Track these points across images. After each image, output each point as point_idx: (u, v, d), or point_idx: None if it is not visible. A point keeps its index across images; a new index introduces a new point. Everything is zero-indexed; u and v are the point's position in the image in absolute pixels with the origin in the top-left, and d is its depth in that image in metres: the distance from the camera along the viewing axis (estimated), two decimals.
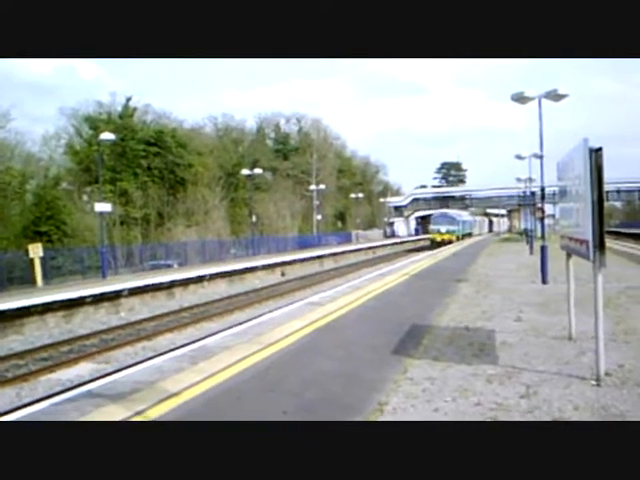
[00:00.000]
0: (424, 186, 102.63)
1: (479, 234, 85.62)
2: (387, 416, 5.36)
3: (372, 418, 5.31)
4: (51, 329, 16.72)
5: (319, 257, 41.46)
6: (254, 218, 45.50)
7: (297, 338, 8.98)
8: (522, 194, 51.33)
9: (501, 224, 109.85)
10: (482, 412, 5.42)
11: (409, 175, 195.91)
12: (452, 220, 64.51)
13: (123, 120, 50.24)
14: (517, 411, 5.43)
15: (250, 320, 11.88)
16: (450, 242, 57.28)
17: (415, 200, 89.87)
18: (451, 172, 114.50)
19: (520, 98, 16.30)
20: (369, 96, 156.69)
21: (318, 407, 5.71)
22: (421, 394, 6.05)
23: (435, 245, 56.47)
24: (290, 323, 10.14)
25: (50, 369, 12.05)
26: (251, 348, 8.20)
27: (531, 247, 30.93)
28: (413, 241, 73.86)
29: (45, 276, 22.25)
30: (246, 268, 29.79)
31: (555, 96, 16.12)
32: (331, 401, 5.91)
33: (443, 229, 61.76)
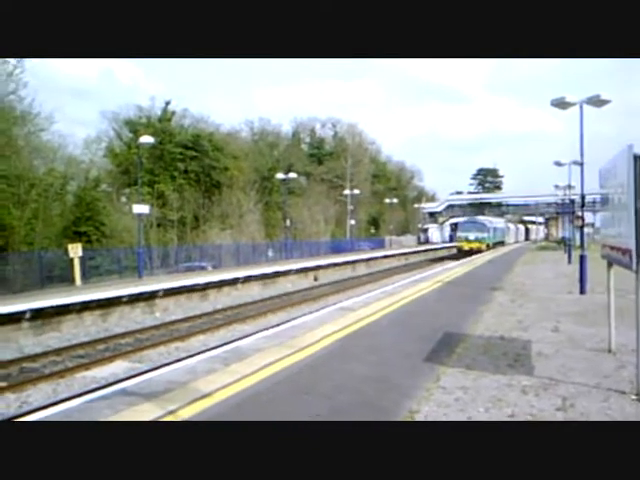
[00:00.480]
0: (460, 192, 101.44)
1: (515, 242, 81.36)
2: None
3: None
4: (88, 327, 17.09)
5: (352, 262, 41.35)
6: (288, 222, 45.72)
7: (329, 342, 8.96)
8: (560, 201, 50.32)
9: (538, 232, 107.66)
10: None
11: (444, 181, 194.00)
12: (482, 227, 57.90)
13: (162, 124, 51.21)
14: None
15: (283, 323, 11.91)
16: (479, 251, 51.95)
17: (450, 206, 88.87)
18: (487, 178, 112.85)
19: (560, 103, 15.96)
20: (404, 101, 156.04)
21: (350, 412, 5.67)
22: (453, 403, 5.95)
23: (463, 254, 50.26)
24: (322, 327, 10.13)
25: (86, 366, 12.31)
26: (283, 351, 8.22)
27: (569, 256, 30.24)
28: (447, 248, 71.72)
29: (83, 275, 22.78)
30: (279, 272, 29.92)
31: (597, 101, 15.72)
32: (362, 406, 5.86)
33: (472, 236, 55.61)
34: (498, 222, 71.42)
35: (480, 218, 64.90)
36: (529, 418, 5.44)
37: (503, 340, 9.28)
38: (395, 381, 6.84)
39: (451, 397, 6.15)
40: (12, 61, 29.03)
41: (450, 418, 5.48)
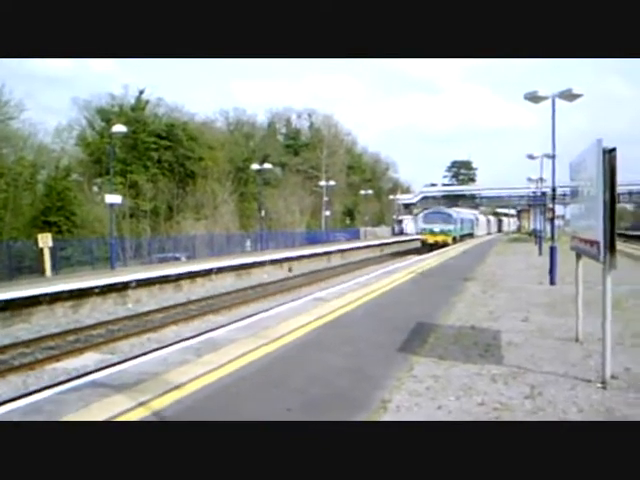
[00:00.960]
0: (434, 184, 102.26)
1: (487, 233, 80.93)
2: (390, 413, 5.35)
3: (375, 415, 5.29)
4: (58, 319, 16.82)
5: (327, 253, 41.45)
6: (263, 213, 45.55)
7: (303, 333, 8.98)
8: (532, 194, 50.87)
9: (511, 224, 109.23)
10: (486, 411, 5.40)
11: (419, 173, 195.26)
12: (447, 218, 52.43)
13: (135, 113, 50.41)
14: (521, 411, 5.40)
15: (257, 314, 11.88)
16: (445, 245, 47.29)
17: (425, 198, 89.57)
18: (461, 171, 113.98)
19: (533, 97, 16.17)
20: (380, 93, 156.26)
21: (322, 403, 5.70)
22: (425, 392, 6.02)
23: (427, 249, 45.06)
24: (296, 318, 10.14)
25: (56, 358, 12.13)
26: (256, 342, 8.21)
27: (540, 248, 30.76)
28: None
29: (54, 266, 22.38)
30: (254, 262, 29.83)
31: (569, 96, 15.97)
32: (335, 397, 5.89)
33: (437, 228, 50.36)
34: (466, 213, 66.42)
35: (445, 209, 58.40)
36: (498, 406, 5.54)
37: (474, 330, 9.41)
38: (368, 372, 6.89)
39: (422, 386, 6.22)
40: None
41: (422, 407, 5.55)
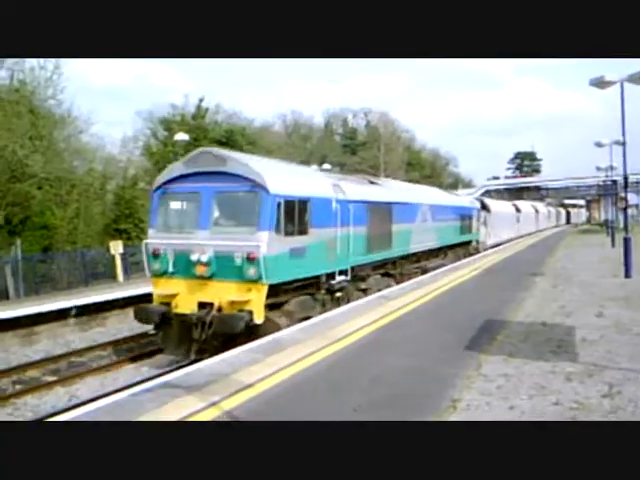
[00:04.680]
0: (496, 177, 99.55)
1: (555, 226, 72.99)
2: (460, 413, 5.25)
3: (445, 415, 5.21)
4: (131, 322, 17.49)
5: None
6: None
7: (367, 333, 8.95)
8: (602, 183, 48.56)
9: (580, 215, 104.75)
10: (561, 412, 5.21)
11: (480, 167, 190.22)
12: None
13: (196, 121, 51.74)
14: (599, 411, 5.18)
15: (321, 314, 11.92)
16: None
17: (487, 192, 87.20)
18: (525, 162, 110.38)
19: (600, 83, 15.44)
20: (437, 88, 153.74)
21: (389, 403, 5.67)
22: (496, 391, 5.88)
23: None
24: (360, 318, 10.12)
25: (131, 360, 12.62)
26: (321, 342, 8.25)
27: (612, 239, 29.36)
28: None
29: (125, 272, 23.30)
30: None
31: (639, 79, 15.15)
32: (402, 397, 5.84)
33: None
34: (502, 205, 42.97)
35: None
36: (574, 406, 5.33)
37: (545, 326, 9.10)
38: (435, 371, 6.79)
39: (493, 385, 6.08)
40: (50, 67, 29.76)
41: (493, 406, 5.42)
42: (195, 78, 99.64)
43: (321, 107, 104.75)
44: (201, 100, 53.49)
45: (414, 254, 17.81)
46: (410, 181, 32.19)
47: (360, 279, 13.57)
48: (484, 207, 31.83)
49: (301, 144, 65.17)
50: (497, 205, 38.70)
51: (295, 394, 6.00)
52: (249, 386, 6.24)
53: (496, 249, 30.44)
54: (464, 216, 24.82)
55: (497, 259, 24.01)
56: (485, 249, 29.78)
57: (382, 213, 14.75)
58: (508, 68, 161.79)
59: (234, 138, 51.01)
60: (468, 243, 26.22)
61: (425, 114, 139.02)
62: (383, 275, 15.42)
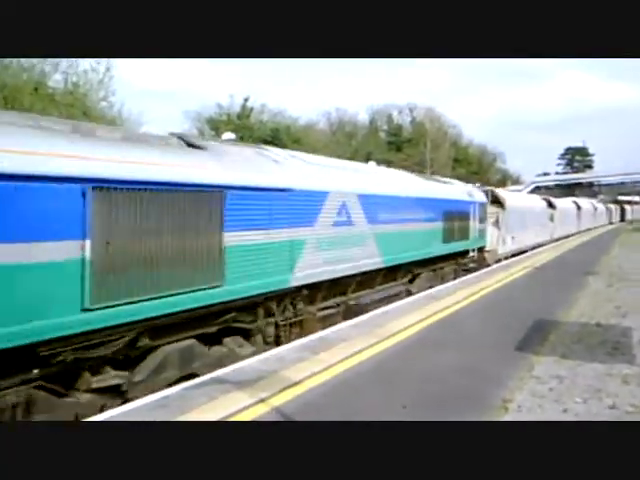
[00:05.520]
0: (547, 173, 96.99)
1: (609, 223, 67.32)
2: (512, 414, 5.16)
3: (495, 416, 5.13)
4: None
5: None
6: None
7: (415, 331, 8.89)
8: None
9: (636, 212, 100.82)
10: (618, 415, 5.06)
11: (529, 163, 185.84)
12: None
13: (241, 120, 52.48)
14: None
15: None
16: None
17: (537, 188, 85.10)
18: (576, 158, 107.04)
19: None
20: (485, 83, 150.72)
21: (439, 402, 5.62)
22: (548, 393, 5.75)
23: None
24: (408, 316, 10.05)
25: None
26: (369, 340, 8.24)
27: None
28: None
29: None
30: None
31: None
32: (452, 396, 5.79)
33: None
34: (531, 198, 35.31)
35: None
36: (631, 410, 5.16)
37: (600, 327, 8.83)
38: (485, 370, 6.69)
39: (545, 387, 5.95)
40: (102, 70, 30.76)
41: (545, 409, 5.31)
42: (240, 78, 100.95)
43: (365, 104, 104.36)
44: (246, 99, 54.21)
45: (315, 286, 9.40)
46: (457, 178, 25.71)
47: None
48: (496, 201, 23.17)
49: (346, 141, 65.11)
50: (516, 199, 27.60)
51: (343, 392, 6.02)
52: (297, 383, 6.29)
53: (548, 247, 29.39)
54: (452, 214, 16.01)
55: (548, 257, 23.39)
56: (498, 260, 21.71)
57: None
58: (552, 61, 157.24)
59: (279, 136, 51.46)
60: (463, 254, 17.77)
61: (470, 109, 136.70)
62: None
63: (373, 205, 11.15)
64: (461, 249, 17.14)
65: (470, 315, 10.39)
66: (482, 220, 19.03)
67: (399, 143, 73.35)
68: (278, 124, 54.79)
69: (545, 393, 5.75)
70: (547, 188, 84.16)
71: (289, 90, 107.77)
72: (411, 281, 13.84)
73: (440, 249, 15.10)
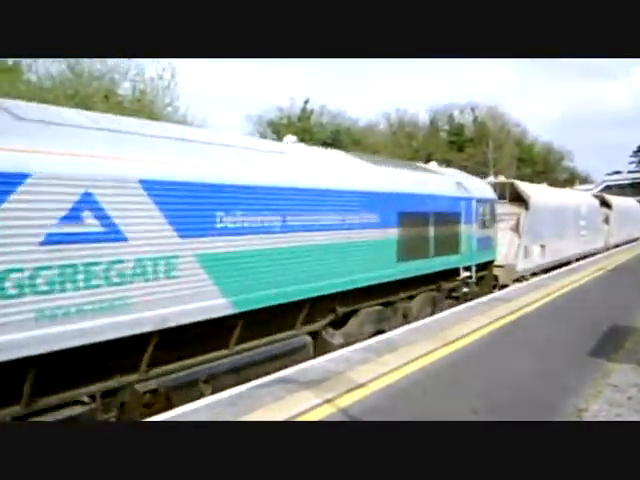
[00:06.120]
0: (618, 172, 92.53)
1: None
2: None
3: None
4: None
5: None
6: None
7: (481, 335, 8.69)
8: None
9: None
10: None
11: (599, 161, 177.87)
12: None
13: (301, 123, 53.01)
14: None
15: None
16: None
17: (607, 187, 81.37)
18: None
19: None
20: (551, 80, 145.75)
21: (509, 407, 5.47)
22: (627, 402, 5.49)
23: None
24: (474, 319, 9.84)
25: None
26: (434, 344, 8.12)
27: None
28: None
29: None
30: None
31: None
32: (523, 402, 5.62)
33: None
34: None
35: None
36: None
37: None
38: (558, 377, 6.45)
39: (624, 396, 5.68)
40: (167, 76, 31.77)
41: (624, 418, 5.06)
42: (300, 80, 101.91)
43: (425, 104, 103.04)
44: (306, 102, 54.75)
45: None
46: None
47: None
48: (517, 198, 17.66)
49: (406, 142, 64.53)
50: (546, 194, 20.99)
51: (408, 394, 5.96)
52: (362, 385, 6.28)
53: (623, 248, 27.60)
54: (422, 216, 10.77)
55: (623, 259, 22.30)
56: (517, 279, 16.51)
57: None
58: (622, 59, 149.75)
59: (339, 138, 51.65)
60: (451, 274, 12.29)
61: (534, 107, 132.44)
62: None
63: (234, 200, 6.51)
64: (440, 268, 11.45)
65: (539, 319, 10.04)
66: (487, 223, 13.87)
67: (461, 143, 71.96)
68: (338, 126, 55.00)
69: (623, 402, 5.49)
70: (619, 187, 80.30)
71: (349, 92, 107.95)
72: (339, 324, 9.04)
73: (393, 271, 9.72)
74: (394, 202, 9.71)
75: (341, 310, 8.91)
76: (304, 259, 7.60)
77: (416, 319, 10.50)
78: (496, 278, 15.40)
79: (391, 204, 9.63)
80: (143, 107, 30.79)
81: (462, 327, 9.19)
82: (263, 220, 6.87)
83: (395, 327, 9.74)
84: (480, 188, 14.04)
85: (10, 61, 26.84)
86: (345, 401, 5.75)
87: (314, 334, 8.50)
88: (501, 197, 16.59)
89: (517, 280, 16.32)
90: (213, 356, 6.72)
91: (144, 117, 29.82)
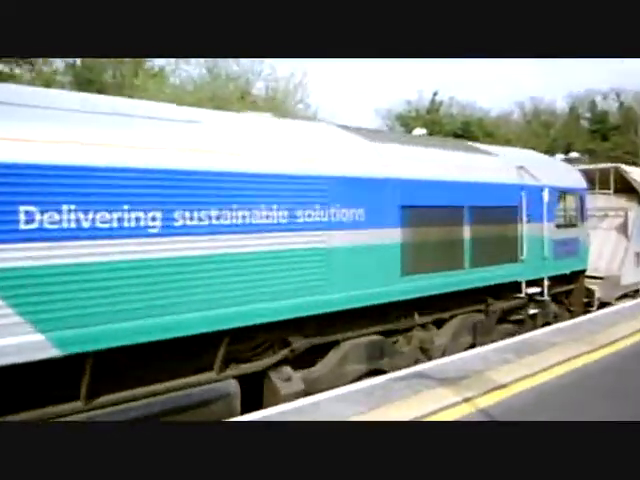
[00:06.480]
0: None
1: None
2: None
3: None
4: None
5: None
6: None
7: (637, 340, 7.97)
8: None
9: None
10: None
11: None
12: None
13: (430, 115, 52.03)
14: None
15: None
16: None
17: None
18: None
19: None
20: None
21: None
22: None
23: None
24: (627, 323, 9.04)
25: None
26: (580, 348, 7.57)
27: None
28: None
29: None
30: None
31: None
32: None
33: None
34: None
35: None
36: None
37: None
38: None
39: None
40: (299, 74, 32.70)
41: None
42: (426, 73, 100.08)
43: (563, 91, 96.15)
44: (435, 94, 53.59)
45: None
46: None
47: None
48: (624, 189, 13.72)
49: (543, 132, 60.92)
50: None
51: (556, 400, 5.61)
52: (503, 386, 6.02)
53: None
54: (478, 211, 8.21)
55: None
56: (622, 296, 12.77)
57: None
58: None
59: (470, 130, 50.01)
60: (502, 290, 8.95)
61: None
62: None
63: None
64: (482, 283, 8.33)
65: None
66: (571, 221, 10.59)
67: (604, 131, 66.34)
68: (469, 117, 53.28)
69: None
70: None
71: (478, 82, 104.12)
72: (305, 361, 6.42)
73: (392, 289, 6.92)
74: (391, 191, 6.86)
75: (299, 344, 6.20)
76: (216, 273, 5.11)
77: (443, 355, 7.67)
78: (591, 293, 11.81)
79: (386, 194, 6.80)
80: (275, 106, 32.02)
81: (614, 331, 8.47)
82: (113, 218, 4.45)
83: (404, 366, 7.04)
84: (560, 174, 10.60)
85: (156, 66, 29.13)
86: (486, 401, 5.56)
87: (257, 377, 5.87)
88: (602, 187, 13.75)
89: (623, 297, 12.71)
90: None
91: (277, 114, 31.04)
